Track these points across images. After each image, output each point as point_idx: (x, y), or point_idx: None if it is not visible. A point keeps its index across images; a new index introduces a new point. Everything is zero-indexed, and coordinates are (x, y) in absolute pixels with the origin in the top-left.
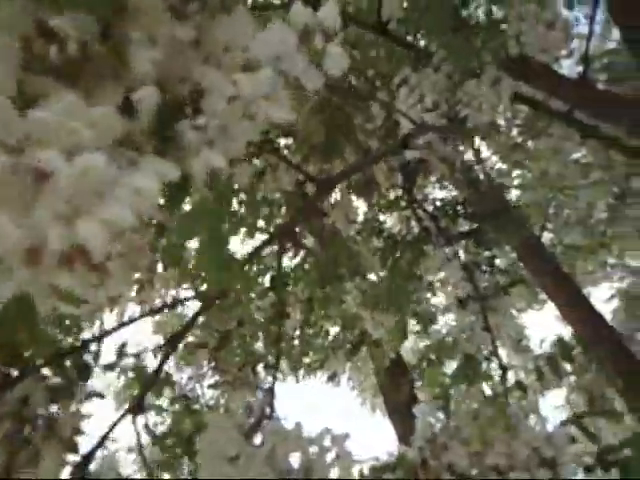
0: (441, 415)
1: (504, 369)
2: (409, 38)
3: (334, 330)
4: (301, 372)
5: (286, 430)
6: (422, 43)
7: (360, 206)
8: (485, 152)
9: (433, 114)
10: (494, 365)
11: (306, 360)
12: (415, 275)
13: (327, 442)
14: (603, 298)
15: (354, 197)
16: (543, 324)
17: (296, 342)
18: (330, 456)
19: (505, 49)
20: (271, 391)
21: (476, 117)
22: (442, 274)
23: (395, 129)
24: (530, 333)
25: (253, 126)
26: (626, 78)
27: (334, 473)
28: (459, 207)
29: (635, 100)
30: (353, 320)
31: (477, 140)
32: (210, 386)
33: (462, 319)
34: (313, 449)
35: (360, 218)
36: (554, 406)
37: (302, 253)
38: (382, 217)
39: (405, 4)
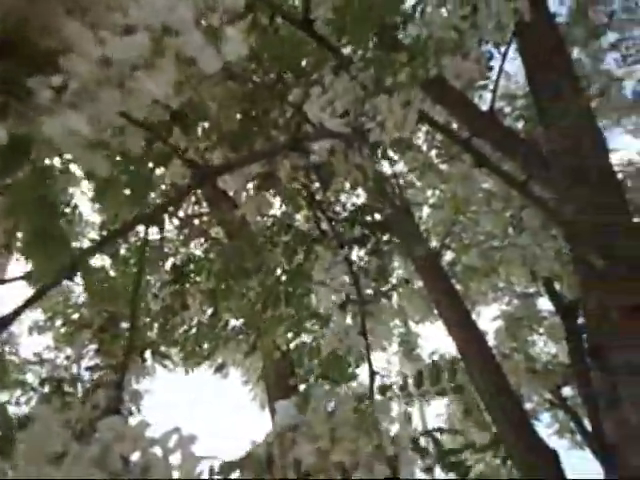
0: (298, 412)
1: (372, 374)
2: (335, 41)
3: (235, 323)
4: (191, 362)
5: (125, 428)
6: (347, 49)
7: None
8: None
9: (338, 121)
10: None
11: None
12: (309, 275)
13: (172, 443)
14: (491, 317)
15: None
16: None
17: (192, 332)
18: (173, 458)
19: (425, 71)
20: (118, 385)
21: (377, 133)
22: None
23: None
24: (428, 344)
25: (127, 97)
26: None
27: (176, 476)
28: (363, 214)
29: (529, 140)
30: (254, 315)
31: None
32: (88, 368)
33: (340, 321)
34: (156, 450)
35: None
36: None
37: (208, 243)
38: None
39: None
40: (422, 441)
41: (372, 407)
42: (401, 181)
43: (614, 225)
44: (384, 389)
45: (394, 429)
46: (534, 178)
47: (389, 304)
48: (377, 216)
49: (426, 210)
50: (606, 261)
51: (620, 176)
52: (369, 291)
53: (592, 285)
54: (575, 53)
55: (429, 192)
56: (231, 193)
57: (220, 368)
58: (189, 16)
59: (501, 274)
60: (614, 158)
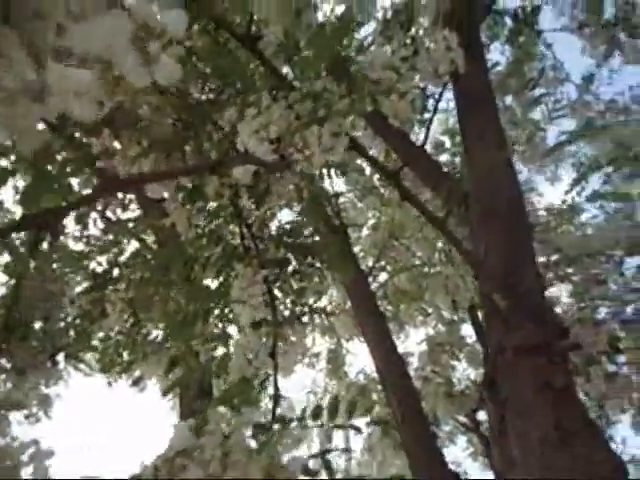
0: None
1: (277, 398)
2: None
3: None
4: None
5: None
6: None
7: None
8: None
9: (266, 147)
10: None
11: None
12: (227, 292)
13: (25, 456)
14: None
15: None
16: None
17: (111, 341)
18: (26, 471)
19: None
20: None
21: (303, 164)
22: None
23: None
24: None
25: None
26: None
27: None
28: (291, 235)
29: (454, 176)
30: (175, 328)
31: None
32: None
33: (253, 341)
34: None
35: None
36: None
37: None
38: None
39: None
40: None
41: (271, 433)
42: (342, 201)
43: (520, 267)
44: (316, 412)
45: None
46: (454, 215)
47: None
48: (308, 236)
49: (366, 231)
50: (509, 302)
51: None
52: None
53: (494, 323)
54: (509, 100)
55: (370, 214)
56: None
57: (137, 381)
58: (124, 37)
59: (427, 299)
60: (536, 202)
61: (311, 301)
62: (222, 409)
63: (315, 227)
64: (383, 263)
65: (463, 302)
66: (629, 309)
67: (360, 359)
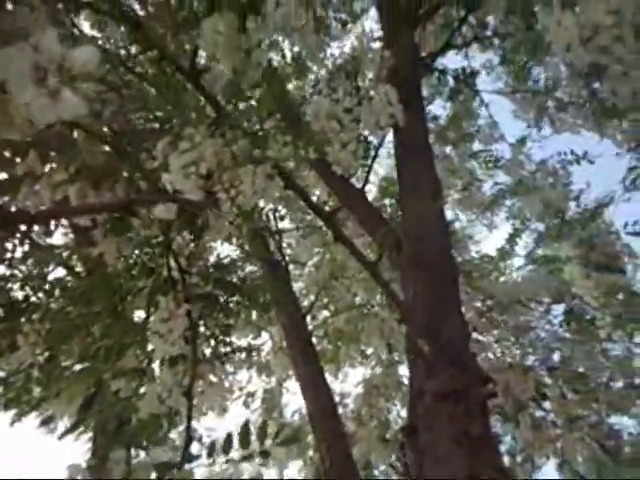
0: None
1: (188, 440)
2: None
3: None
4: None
5: None
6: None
7: None
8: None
9: (193, 183)
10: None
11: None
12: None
13: None
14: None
15: None
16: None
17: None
18: None
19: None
20: None
21: (227, 206)
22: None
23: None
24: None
25: None
26: None
27: None
28: (222, 271)
29: (390, 222)
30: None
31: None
32: None
33: (168, 379)
34: None
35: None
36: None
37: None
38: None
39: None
40: None
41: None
42: (287, 239)
43: (444, 314)
44: (227, 442)
45: None
46: (387, 259)
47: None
48: (240, 272)
49: (308, 269)
50: (432, 348)
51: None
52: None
53: (416, 367)
54: (448, 150)
55: (314, 251)
56: None
57: (47, 421)
58: (24, 74)
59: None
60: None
61: (249, 338)
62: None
63: (255, 262)
64: (326, 300)
65: (398, 345)
66: (556, 356)
67: (297, 399)
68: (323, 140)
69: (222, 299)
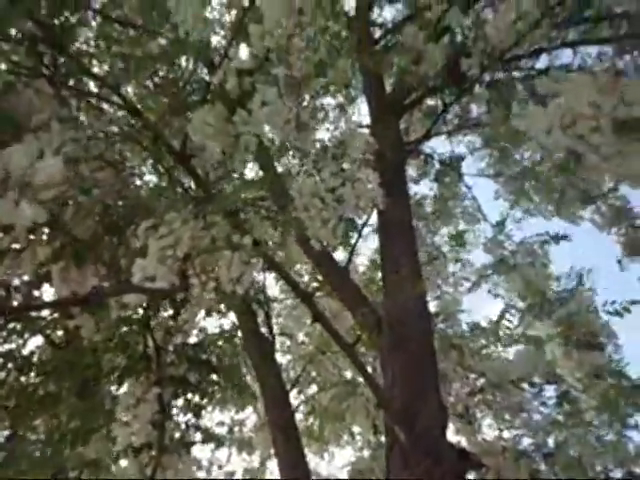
0: None
1: None
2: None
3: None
4: None
5: None
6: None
7: None
8: None
9: (168, 266)
10: None
11: None
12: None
13: None
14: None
15: None
16: None
17: None
18: None
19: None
20: None
21: (198, 292)
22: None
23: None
24: None
25: None
26: None
27: None
28: (198, 351)
29: (371, 303)
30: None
31: None
32: None
33: (132, 467)
34: None
35: None
36: None
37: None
38: None
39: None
40: None
41: None
42: (276, 308)
43: (421, 402)
44: None
45: None
46: (367, 339)
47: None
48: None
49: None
50: (408, 436)
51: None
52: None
53: (393, 456)
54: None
55: (304, 322)
56: None
57: None
58: None
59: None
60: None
61: (232, 412)
62: None
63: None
64: (313, 374)
65: (382, 426)
66: (551, 441)
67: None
68: (308, 216)
69: (196, 378)
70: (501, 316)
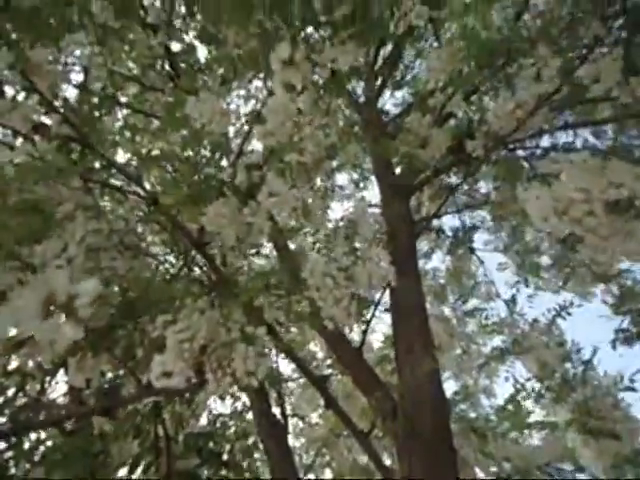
0: None
1: None
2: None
3: None
4: None
5: None
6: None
7: None
8: None
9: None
10: None
11: None
12: None
13: None
14: None
15: None
16: None
17: None
18: None
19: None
20: None
21: (214, 386)
22: None
23: None
24: None
25: None
26: None
27: None
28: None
29: (386, 384)
30: None
31: None
32: None
33: None
34: None
35: None
36: None
37: None
38: None
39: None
40: None
41: None
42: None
43: None
44: None
45: None
46: (381, 426)
47: None
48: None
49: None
50: None
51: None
52: None
53: None
54: (445, 310)
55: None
56: None
57: None
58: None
59: None
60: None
61: None
62: None
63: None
64: (327, 459)
65: None
66: None
67: None
68: (320, 297)
69: (206, 475)
70: (511, 399)
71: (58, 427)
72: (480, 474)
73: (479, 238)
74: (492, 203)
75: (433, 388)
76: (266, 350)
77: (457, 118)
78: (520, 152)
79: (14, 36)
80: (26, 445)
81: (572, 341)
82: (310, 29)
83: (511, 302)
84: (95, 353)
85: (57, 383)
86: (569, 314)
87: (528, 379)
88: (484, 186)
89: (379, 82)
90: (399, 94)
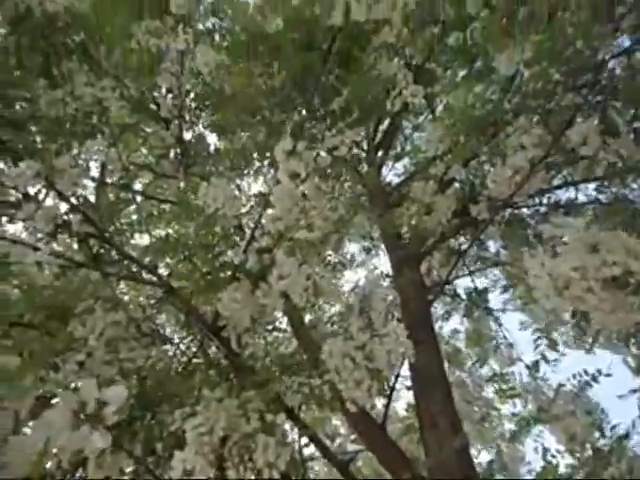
0: None
1: None
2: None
3: None
4: None
5: None
6: None
7: None
8: None
9: (206, 455)
10: None
11: None
12: None
13: None
14: None
15: None
16: None
17: None
18: None
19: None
20: None
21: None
22: None
23: None
24: None
25: None
26: None
27: None
28: None
29: (413, 460)
30: None
31: None
32: None
33: None
34: None
35: None
36: None
37: None
38: None
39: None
40: None
41: None
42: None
43: None
44: None
45: None
46: None
47: None
48: None
49: None
50: None
51: None
52: None
53: None
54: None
55: None
56: None
57: None
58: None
59: None
60: None
61: None
62: None
63: None
64: None
65: None
66: None
67: None
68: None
69: None
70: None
71: None
72: None
73: (498, 298)
74: (503, 263)
75: (463, 465)
76: (288, 437)
77: (460, 182)
78: (525, 210)
79: (39, 145)
80: None
81: (602, 410)
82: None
83: (534, 367)
84: (115, 450)
85: None
86: (596, 381)
87: (558, 452)
88: (492, 246)
89: (380, 154)
90: (399, 165)
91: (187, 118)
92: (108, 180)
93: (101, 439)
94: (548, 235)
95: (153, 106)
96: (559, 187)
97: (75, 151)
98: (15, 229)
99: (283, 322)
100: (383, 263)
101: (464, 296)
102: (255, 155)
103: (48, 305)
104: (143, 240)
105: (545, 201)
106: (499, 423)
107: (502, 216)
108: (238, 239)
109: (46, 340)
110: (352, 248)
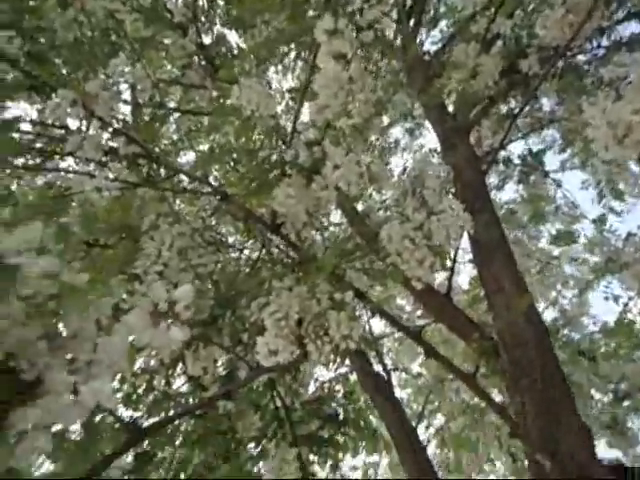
0: None
1: None
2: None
3: None
4: None
5: None
6: None
7: None
8: None
9: (285, 337)
10: None
11: None
12: None
13: None
14: None
15: None
16: None
17: None
18: None
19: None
20: None
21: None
22: None
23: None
24: None
25: None
26: None
27: None
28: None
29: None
30: None
31: None
32: None
33: None
34: None
35: None
36: None
37: None
38: None
39: None
40: None
41: None
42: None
43: (559, 426)
44: None
45: None
46: (487, 366)
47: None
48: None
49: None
50: (552, 464)
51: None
52: None
53: None
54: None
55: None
56: None
57: None
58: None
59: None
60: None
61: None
62: None
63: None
64: (436, 404)
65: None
66: None
67: None
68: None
69: (329, 434)
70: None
71: (189, 413)
72: (597, 396)
73: (554, 159)
74: (559, 119)
75: (532, 324)
76: (357, 313)
77: (504, 38)
78: (581, 57)
79: (64, 72)
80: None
81: None
82: None
83: (600, 221)
84: (206, 343)
85: (179, 375)
86: None
87: (630, 298)
88: (547, 104)
89: (412, 22)
90: (435, 32)
91: (202, 19)
92: (140, 101)
93: (180, 332)
94: (609, 77)
95: (167, 15)
96: (620, 22)
97: (102, 76)
98: (66, 165)
99: (337, 216)
100: (429, 142)
101: (518, 161)
102: (282, 47)
103: (115, 226)
104: (189, 156)
105: (605, 43)
106: (559, 272)
107: (556, 68)
108: (281, 139)
109: (110, 254)
110: (395, 133)
